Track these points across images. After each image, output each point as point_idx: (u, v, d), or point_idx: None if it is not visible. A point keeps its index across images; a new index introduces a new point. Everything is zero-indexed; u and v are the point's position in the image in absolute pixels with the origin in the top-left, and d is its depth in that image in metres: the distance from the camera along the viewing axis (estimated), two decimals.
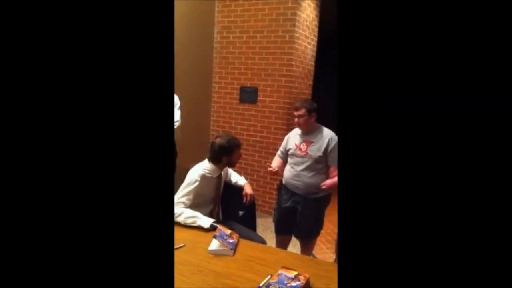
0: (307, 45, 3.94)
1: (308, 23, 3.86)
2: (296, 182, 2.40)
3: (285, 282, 1.32)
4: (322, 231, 3.56)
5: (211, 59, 4.10)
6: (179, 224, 1.92)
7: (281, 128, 3.78)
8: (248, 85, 3.91)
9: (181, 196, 2.04)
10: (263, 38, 3.77)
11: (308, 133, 2.39)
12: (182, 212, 1.96)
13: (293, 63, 3.70)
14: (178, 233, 1.73)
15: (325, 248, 3.24)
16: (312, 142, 2.36)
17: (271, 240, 2.79)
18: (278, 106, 3.77)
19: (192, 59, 3.81)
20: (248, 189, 2.32)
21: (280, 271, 1.41)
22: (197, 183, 2.07)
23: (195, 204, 2.09)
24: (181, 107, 2.75)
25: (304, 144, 2.38)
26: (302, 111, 2.32)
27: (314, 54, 4.17)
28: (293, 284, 1.32)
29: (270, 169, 2.37)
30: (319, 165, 2.34)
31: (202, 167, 2.16)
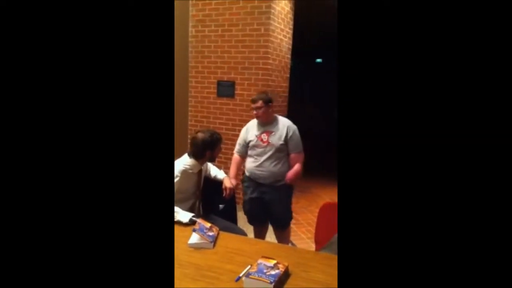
0: (283, 38, 3.95)
1: (283, 16, 3.87)
2: (260, 172, 2.44)
3: (264, 271, 1.34)
4: (302, 221, 3.63)
5: (187, 53, 4.06)
6: None
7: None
8: (225, 79, 3.90)
9: None
10: (239, 31, 3.76)
11: (267, 123, 2.44)
12: None
13: (269, 56, 3.70)
14: None
15: (306, 238, 3.30)
16: (272, 131, 2.42)
17: (251, 232, 2.81)
18: None
19: None
20: (227, 183, 2.33)
21: (259, 261, 1.43)
22: (177, 179, 2.06)
23: (175, 200, 2.07)
24: None
25: (264, 134, 2.43)
26: (259, 103, 2.37)
27: (290, 47, 4.19)
28: (272, 272, 1.34)
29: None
30: (281, 153, 2.42)
31: (182, 163, 2.15)
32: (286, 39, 4.03)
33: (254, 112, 2.40)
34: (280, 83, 4.02)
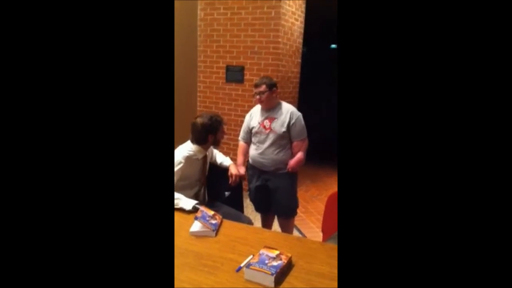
0: (294, 21, 3.82)
1: None
2: (263, 160, 2.38)
3: (266, 261, 1.29)
4: (312, 210, 3.57)
5: (196, 37, 3.97)
6: None
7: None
8: (234, 64, 3.81)
9: None
10: (248, 14, 3.65)
11: (270, 109, 2.36)
12: None
13: (280, 40, 3.59)
14: None
15: (315, 227, 3.24)
16: (275, 118, 2.33)
17: (259, 220, 2.76)
18: None
19: (176, 36, 3.68)
20: (233, 170, 2.27)
21: (262, 251, 1.37)
22: (181, 165, 2.02)
23: (179, 186, 2.04)
24: None
25: (267, 121, 2.35)
26: (262, 88, 2.28)
27: (302, 31, 4.06)
28: (274, 263, 1.28)
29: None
30: (284, 140, 2.33)
31: (186, 149, 2.10)
32: (298, 23, 3.90)
33: (257, 97, 2.31)
34: (291, 68, 3.91)
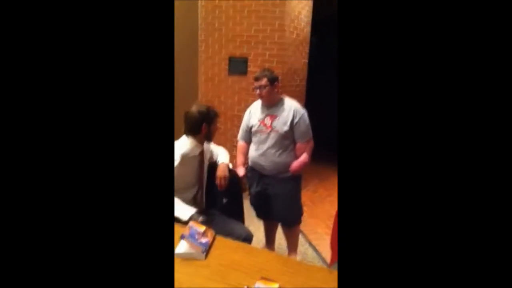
0: (301, 9, 3.52)
1: None
2: (263, 162, 2.12)
3: None
4: (320, 214, 3.31)
5: (196, 25, 3.70)
6: None
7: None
8: (237, 55, 3.53)
9: None
10: (251, 0, 3.36)
11: (271, 105, 2.09)
12: None
13: (286, 28, 3.30)
14: None
15: (323, 234, 2.97)
16: (276, 115, 2.06)
17: (261, 227, 2.52)
18: None
19: (176, 25, 3.41)
20: (221, 171, 1.97)
21: (257, 284, 1.13)
22: (176, 163, 1.80)
23: (176, 189, 1.80)
24: None
25: (268, 118, 2.08)
26: (263, 81, 2.02)
27: (310, 19, 3.75)
28: None
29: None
30: (286, 141, 2.07)
31: (181, 145, 1.89)
32: (304, 11, 3.59)
33: (257, 91, 2.05)
34: (298, 59, 3.62)
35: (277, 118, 2.05)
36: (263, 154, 2.10)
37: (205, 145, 2.02)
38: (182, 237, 1.40)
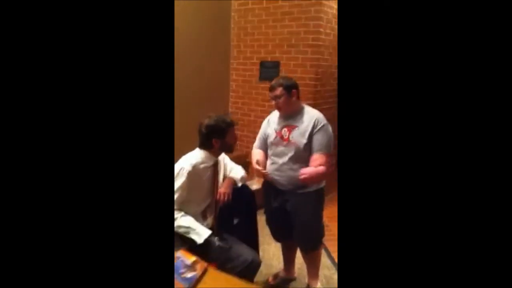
0: None
1: None
2: (278, 177, 1.87)
3: None
4: (335, 234, 2.94)
5: (229, 30, 3.57)
6: None
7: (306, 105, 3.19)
8: (269, 59, 3.33)
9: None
10: (286, 1, 3.15)
11: (290, 115, 1.85)
12: (177, 218, 1.64)
13: (321, 30, 3.04)
14: None
15: None
16: (295, 126, 1.82)
17: (277, 247, 2.29)
18: (303, 83, 3.14)
19: (207, 29, 3.32)
20: (224, 186, 1.80)
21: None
22: (187, 174, 1.67)
23: (187, 200, 1.70)
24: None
25: (286, 129, 1.84)
26: (278, 91, 1.79)
27: None
28: None
29: (259, 168, 1.89)
30: (305, 154, 1.80)
31: (194, 156, 1.77)
32: None
33: (273, 102, 1.84)
34: (335, 62, 3.33)
35: (296, 129, 1.81)
36: (278, 169, 1.87)
37: (221, 157, 1.87)
38: None
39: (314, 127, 1.78)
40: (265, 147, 1.98)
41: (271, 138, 1.90)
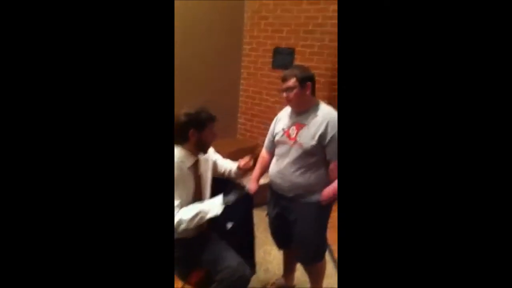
0: None
1: None
2: (280, 181, 1.68)
3: None
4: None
5: (242, 14, 3.34)
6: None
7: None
8: (283, 46, 3.10)
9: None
10: None
11: (302, 112, 1.63)
12: (180, 218, 1.46)
13: None
14: None
15: None
16: (304, 125, 1.60)
17: (278, 255, 2.13)
18: (319, 73, 2.90)
19: (219, 13, 3.10)
20: (244, 159, 1.75)
21: None
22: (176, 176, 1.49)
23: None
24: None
25: (294, 128, 1.62)
26: (291, 82, 1.56)
27: None
28: None
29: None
30: (312, 158, 1.59)
31: (176, 155, 1.55)
32: None
33: (284, 94, 1.61)
34: None
35: (305, 128, 1.60)
36: (281, 171, 1.68)
37: (206, 156, 1.66)
38: None
39: (326, 128, 1.55)
40: (272, 146, 1.79)
41: (278, 136, 1.70)
